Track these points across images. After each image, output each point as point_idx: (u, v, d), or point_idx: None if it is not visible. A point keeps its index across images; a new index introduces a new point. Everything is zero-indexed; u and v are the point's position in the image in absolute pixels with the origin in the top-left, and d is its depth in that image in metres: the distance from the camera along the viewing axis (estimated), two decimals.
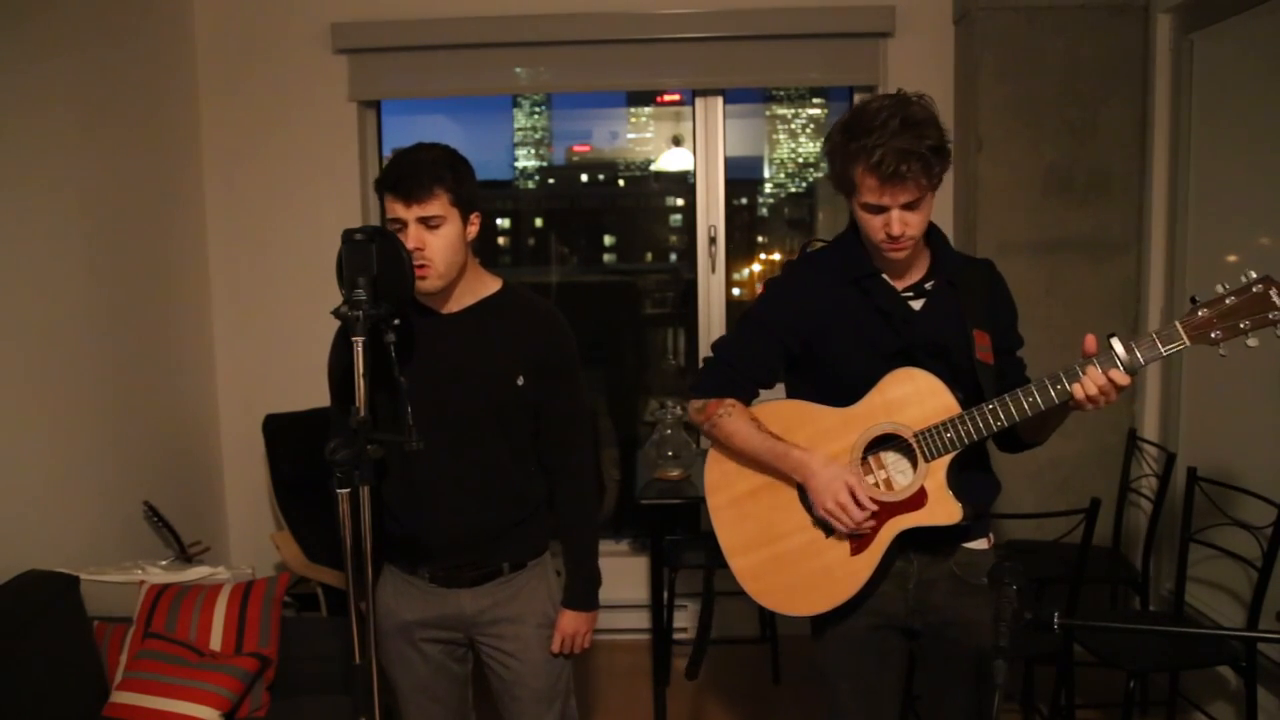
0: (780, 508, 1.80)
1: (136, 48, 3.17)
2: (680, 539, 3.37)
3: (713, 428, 1.82)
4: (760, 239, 4.56)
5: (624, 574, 3.66)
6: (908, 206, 1.64)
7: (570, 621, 1.99)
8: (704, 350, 3.90)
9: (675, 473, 3.07)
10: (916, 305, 1.78)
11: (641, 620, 3.73)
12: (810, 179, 4.66)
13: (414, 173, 1.75)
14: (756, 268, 4.43)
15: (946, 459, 1.69)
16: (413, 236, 1.75)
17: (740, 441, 1.79)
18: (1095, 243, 3.30)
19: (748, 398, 1.83)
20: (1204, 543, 2.69)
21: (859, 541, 1.74)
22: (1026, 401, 1.63)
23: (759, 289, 4.33)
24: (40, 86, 2.62)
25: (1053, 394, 1.62)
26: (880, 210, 1.65)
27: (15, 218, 2.50)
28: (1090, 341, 1.60)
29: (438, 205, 1.76)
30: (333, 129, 3.64)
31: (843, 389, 1.75)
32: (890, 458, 1.75)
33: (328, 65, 3.59)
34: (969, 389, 1.72)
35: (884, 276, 1.77)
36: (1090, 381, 1.58)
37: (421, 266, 1.76)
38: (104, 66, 2.94)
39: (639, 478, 3.15)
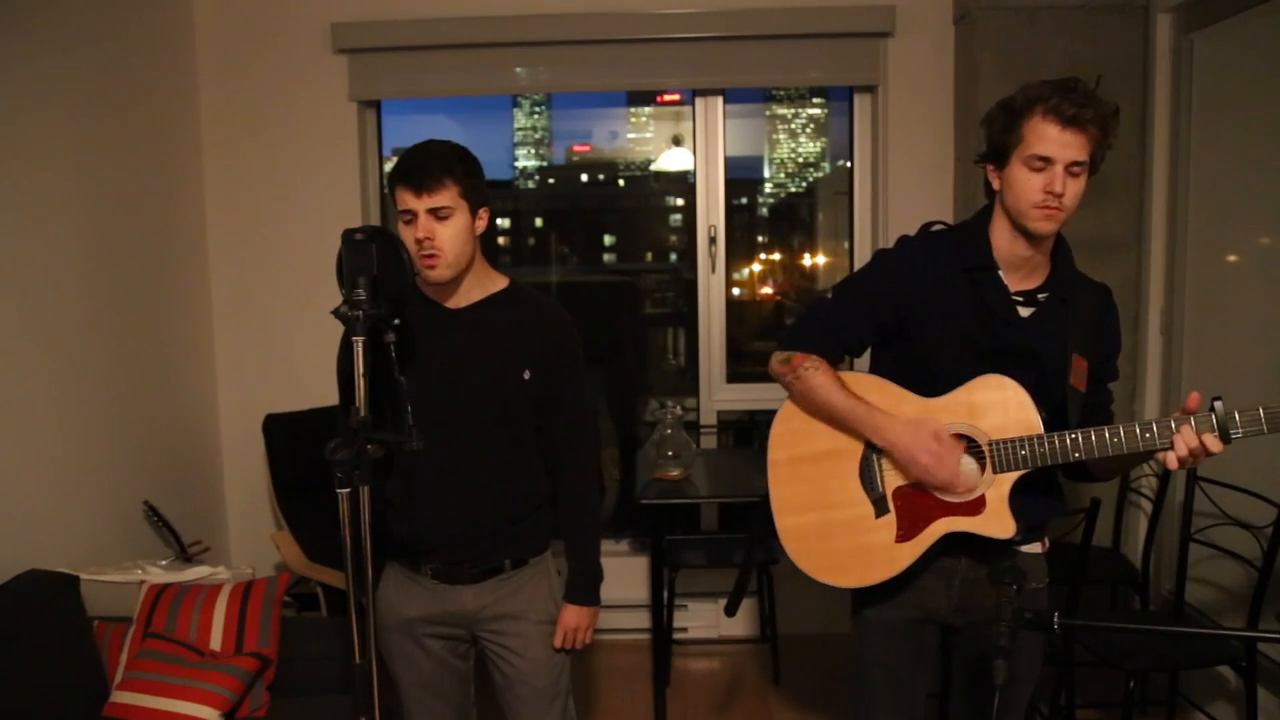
0: (839, 477, 1.79)
1: (136, 48, 3.16)
2: (680, 539, 3.37)
3: (796, 379, 1.79)
4: (760, 239, 4.57)
5: (624, 574, 3.66)
6: (1071, 170, 1.61)
7: (572, 616, 2.00)
8: (704, 350, 3.90)
9: (675, 473, 3.07)
10: (1024, 312, 1.74)
11: (641, 620, 3.73)
12: (810, 179, 4.66)
13: (424, 164, 1.78)
14: (756, 268, 4.44)
15: (1013, 475, 1.68)
16: (422, 226, 1.78)
17: (823, 396, 1.76)
18: (1095, 242, 3.29)
19: (834, 360, 1.80)
20: (1204, 543, 2.69)
21: (907, 530, 1.73)
22: (1111, 441, 1.61)
23: (761, 290, 4.33)
24: (39, 87, 2.62)
25: (1140, 442, 1.59)
26: (1046, 164, 1.61)
27: (14, 218, 2.49)
28: (1193, 399, 1.58)
29: (447, 196, 1.78)
30: (333, 129, 3.64)
31: (927, 377, 1.73)
32: None
33: (328, 65, 3.59)
34: (1052, 409, 1.70)
35: (999, 273, 1.73)
36: (1181, 441, 1.56)
37: (431, 256, 1.79)
38: (104, 66, 2.94)
39: (639, 478, 3.15)
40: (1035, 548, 1.84)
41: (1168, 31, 3.17)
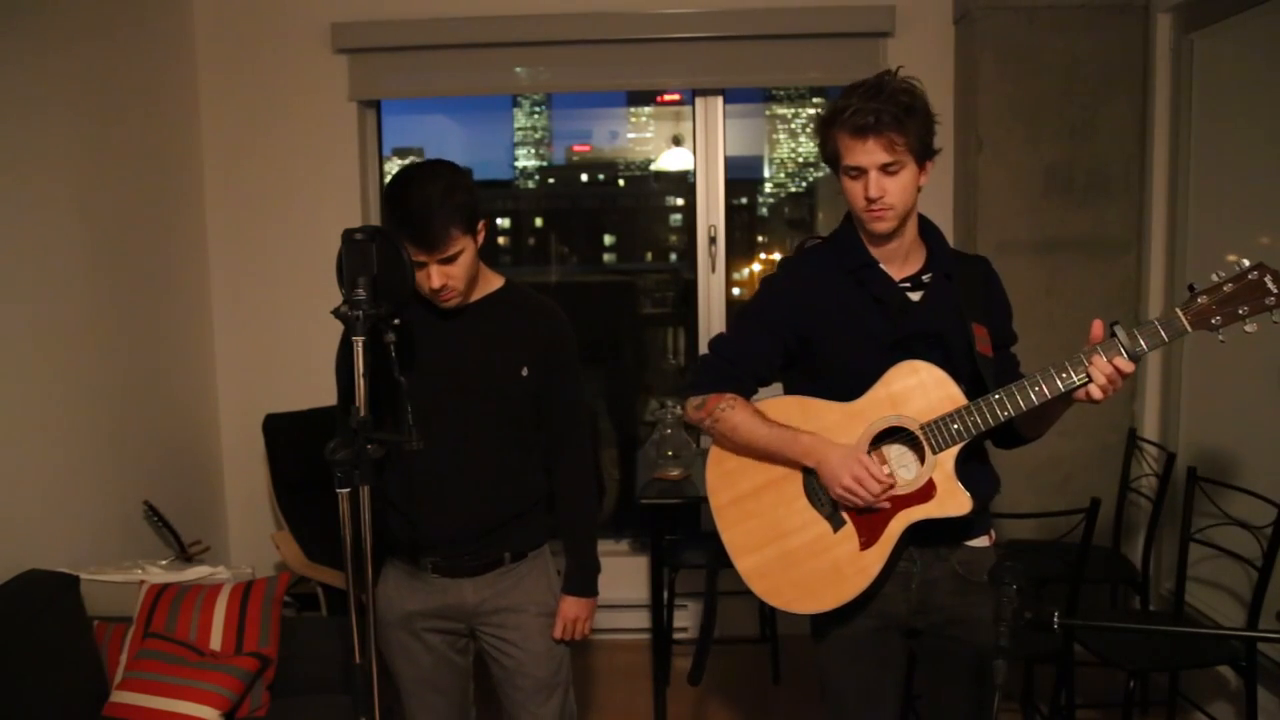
0: (785, 504, 1.78)
1: (136, 48, 3.17)
2: (680, 539, 3.38)
3: (715, 423, 1.79)
4: (760, 239, 4.57)
5: (624, 574, 3.66)
6: (886, 170, 1.66)
7: (571, 607, 2.02)
8: (704, 350, 3.88)
9: (675, 473, 3.07)
10: (915, 297, 1.78)
11: (641, 620, 3.73)
12: (810, 179, 4.66)
13: (428, 222, 1.75)
14: (756, 267, 4.43)
15: (953, 450, 1.68)
16: (436, 276, 1.79)
17: (745, 434, 1.76)
18: (1095, 242, 3.30)
19: (747, 394, 1.81)
20: (1204, 542, 2.69)
21: (868, 536, 1.73)
22: (1033, 391, 1.62)
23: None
24: (39, 87, 2.62)
25: (1059, 383, 1.61)
26: (860, 174, 1.67)
27: (15, 218, 2.50)
28: (1097, 328, 1.61)
29: (456, 245, 1.79)
30: (333, 129, 3.64)
31: (841, 383, 1.75)
32: (894, 451, 1.74)
33: (328, 65, 3.59)
34: (968, 382, 1.72)
35: (880, 266, 1.77)
36: (1096, 370, 1.58)
37: (446, 294, 1.82)
38: (103, 66, 2.94)
39: (639, 478, 3.15)
40: (983, 541, 1.84)
41: (1168, 31, 3.17)
